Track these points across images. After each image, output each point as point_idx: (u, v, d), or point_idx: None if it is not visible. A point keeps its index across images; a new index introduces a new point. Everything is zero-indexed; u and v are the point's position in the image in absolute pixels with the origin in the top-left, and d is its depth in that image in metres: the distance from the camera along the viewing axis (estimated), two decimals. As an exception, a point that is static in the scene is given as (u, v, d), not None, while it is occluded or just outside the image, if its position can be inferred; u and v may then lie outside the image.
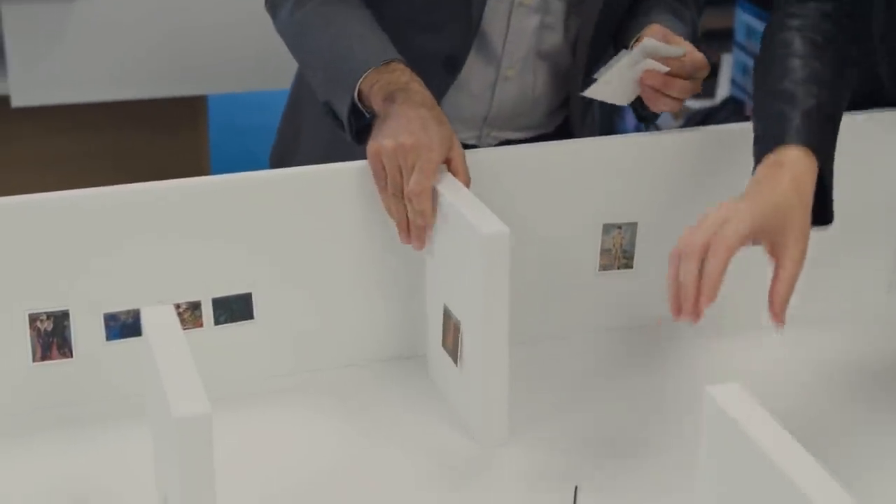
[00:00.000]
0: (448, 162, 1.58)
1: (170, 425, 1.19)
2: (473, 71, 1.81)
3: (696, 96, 4.81)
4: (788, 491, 1.11)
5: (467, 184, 1.58)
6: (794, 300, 1.44)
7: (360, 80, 1.64)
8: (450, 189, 1.57)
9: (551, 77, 1.86)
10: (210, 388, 1.59)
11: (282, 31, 1.80)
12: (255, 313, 1.69)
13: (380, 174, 1.59)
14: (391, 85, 1.62)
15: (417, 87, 1.63)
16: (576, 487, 1.37)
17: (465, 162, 1.59)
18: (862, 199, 1.90)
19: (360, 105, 1.66)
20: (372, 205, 1.67)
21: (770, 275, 1.44)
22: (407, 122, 1.57)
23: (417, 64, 1.67)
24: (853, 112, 1.79)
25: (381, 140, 1.58)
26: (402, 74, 1.64)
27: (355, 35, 1.69)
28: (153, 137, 3.35)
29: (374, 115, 1.65)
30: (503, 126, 1.87)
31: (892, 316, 1.90)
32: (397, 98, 1.60)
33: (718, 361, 1.76)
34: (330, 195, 1.67)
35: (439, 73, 1.78)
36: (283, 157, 2.01)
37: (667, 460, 1.54)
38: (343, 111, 1.67)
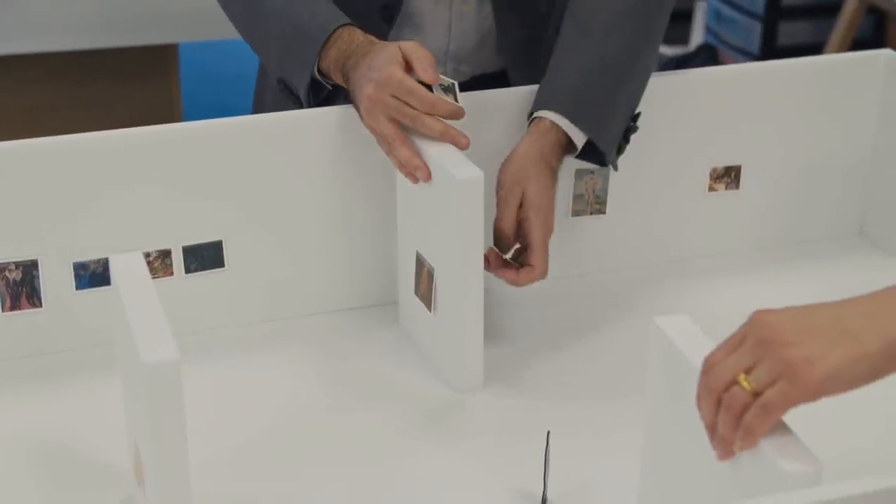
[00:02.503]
0: (408, 66, 1.57)
1: (139, 372, 1.19)
2: (425, 10, 1.78)
3: (671, 43, 4.80)
4: None
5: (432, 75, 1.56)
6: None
7: (317, 58, 1.63)
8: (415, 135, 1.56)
9: (510, 8, 1.82)
10: (181, 336, 1.59)
11: (225, 6, 1.78)
12: (227, 261, 1.68)
13: (385, 127, 1.57)
14: (343, 55, 1.62)
15: (361, 38, 1.62)
16: (548, 432, 1.37)
17: (426, 58, 1.57)
18: (833, 146, 1.90)
19: (320, 77, 1.66)
20: (343, 151, 1.66)
21: None
22: (367, 69, 1.56)
23: (358, 17, 1.66)
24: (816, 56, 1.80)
25: (364, 91, 1.56)
26: (350, 37, 1.62)
27: (306, 10, 1.67)
28: (124, 87, 3.32)
29: (336, 86, 1.65)
30: (466, 60, 1.84)
31: (863, 260, 1.91)
32: (350, 63, 1.60)
33: (692, 304, 1.75)
34: (301, 142, 1.66)
35: (378, 23, 1.75)
36: (263, 103, 1.98)
37: (640, 404, 1.54)
38: (302, 87, 1.66)
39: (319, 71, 1.65)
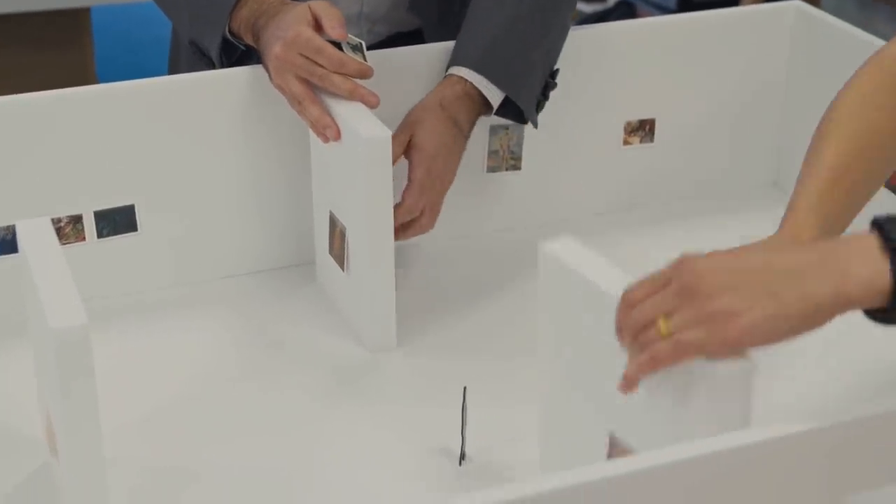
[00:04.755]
0: (317, 26, 1.56)
1: (48, 338, 1.17)
2: None
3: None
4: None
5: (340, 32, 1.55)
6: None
7: (228, 19, 1.62)
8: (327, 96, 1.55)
9: None
10: (94, 301, 1.58)
11: None
12: (139, 225, 1.66)
13: (294, 87, 1.56)
14: (253, 15, 1.60)
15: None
16: (464, 388, 1.38)
17: (334, 16, 1.56)
18: (745, 98, 1.91)
19: (231, 38, 1.64)
20: (256, 112, 1.65)
21: None
22: (276, 29, 1.55)
23: None
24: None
25: (272, 50, 1.55)
26: None
27: None
28: (37, 53, 3.27)
29: (248, 46, 1.64)
30: (380, 21, 1.83)
31: (778, 210, 1.92)
32: (261, 23, 1.58)
33: (608, 257, 1.75)
34: (213, 102, 1.65)
35: None
36: (178, 67, 1.96)
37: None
38: (213, 48, 1.64)
39: (231, 31, 1.63)
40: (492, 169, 1.79)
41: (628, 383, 1.07)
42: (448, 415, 1.41)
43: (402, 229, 1.60)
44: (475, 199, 1.80)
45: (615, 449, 1.16)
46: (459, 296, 1.68)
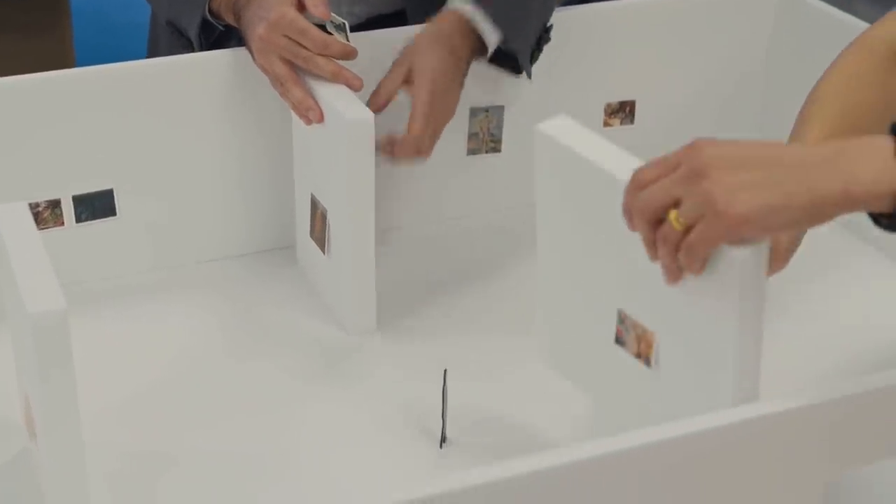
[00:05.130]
0: (300, 6, 1.55)
1: (26, 323, 1.17)
2: None
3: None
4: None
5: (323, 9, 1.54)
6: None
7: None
8: (310, 76, 1.55)
9: None
10: (74, 285, 1.57)
11: None
12: (118, 210, 1.65)
13: (278, 68, 1.55)
14: None
15: None
16: (445, 370, 1.37)
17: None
18: (728, 77, 1.91)
19: (211, 18, 1.63)
20: (238, 94, 1.64)
21: None
22: (258, 9, 1.54)
23: None
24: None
25: (255, 31, 1.54)
26: None
27: None
28: (15, 38, 3.25)
29: (227, 26, 1.63)
30: (361, 1, 1.82)
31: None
32: (242, 2, 1.57)
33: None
34: (192, 86, 1.64)
35: None
36: (157, 51, 1.95)
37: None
38: (192, 28, 1.63)
39: (210, 11, 1.62)
40: (472, 151, 1.79)
41: (672, 279, 1.09)
42: (428, 398, 1.41)
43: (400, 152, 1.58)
44: (455, 181, 1.79)
45: (626, 323, 1.18)
46: (440, 279, 1.68)
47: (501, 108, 1.76)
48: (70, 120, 1.59)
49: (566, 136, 1.20)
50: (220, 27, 1.64)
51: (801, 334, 1.56)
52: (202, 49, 1.66)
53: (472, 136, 1.78)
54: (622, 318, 1.18)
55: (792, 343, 1.52)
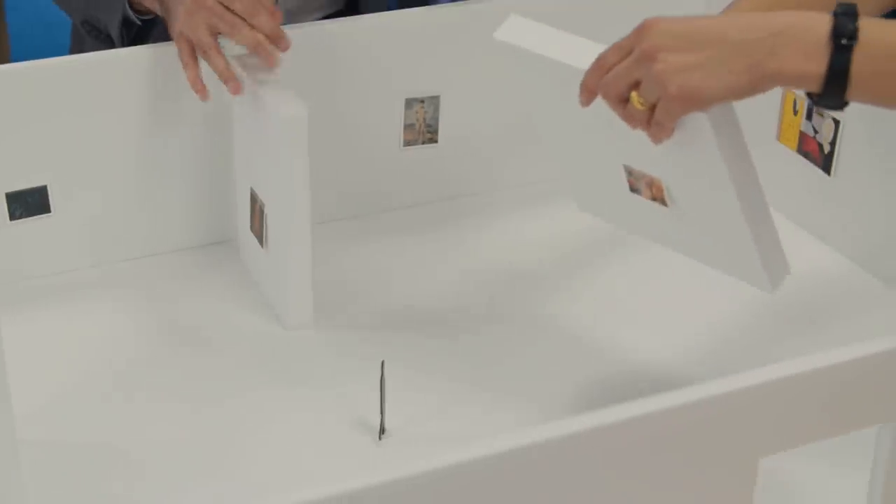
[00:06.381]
0: None
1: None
2: None
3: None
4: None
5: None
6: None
7: None
8: (251, 71, 1.54)
9: None
10: (9, 284, 1.56)
11: None
12: (52, 206, 1.64)
13: (203, 35, 1.54)
14: None
15: None
16: (382, 362, 1.37)
17: None
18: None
19: (131, 13, 1.62)
20: (171, 89, 1.63)
21: None
22: None
23: None
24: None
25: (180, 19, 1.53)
26: None
27: None
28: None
29: (146, 21, 1.62)
30: (301, 11, 1.82)
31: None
32: None
33: (530, 229, 1.76)
34: (124, 80, 1.62)
35: None
36: (82, 45, 1.94)
37: (470, 333, 1.55)
38: (113, 25, 1.62)
39: (130, 6, 1.61)
40: (408, 143, 1.79)
41: (656, 138, 1.20)
42: (366, 391, 1.41)
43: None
44: (392, 172, 1.79)
45: (634, 174, 1.31)
46: (377, 272, 1.68)
47: (437, 98, 1.76)
48: (1, 116, 1.58)
49: (522, 38, 1.29)
50: (138, 22, 1.63)
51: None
52: (123, 45, 1.64)
53: (408, 127, 1.78)
54: (630, 171, 1.31)
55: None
